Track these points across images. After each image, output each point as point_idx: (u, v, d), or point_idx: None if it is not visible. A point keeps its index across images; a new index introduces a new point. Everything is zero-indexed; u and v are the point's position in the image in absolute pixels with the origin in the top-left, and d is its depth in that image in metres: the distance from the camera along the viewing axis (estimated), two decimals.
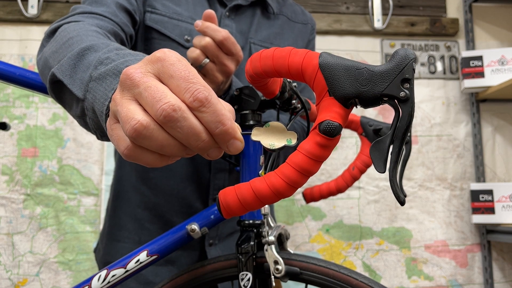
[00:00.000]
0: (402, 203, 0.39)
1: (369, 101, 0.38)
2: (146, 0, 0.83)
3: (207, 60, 0.69)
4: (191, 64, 0.65)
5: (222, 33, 0.66)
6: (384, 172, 0.38)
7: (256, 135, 0.41)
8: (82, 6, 0.74)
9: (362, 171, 0.90)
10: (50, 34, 0.67)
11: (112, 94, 0.42)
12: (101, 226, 1.46)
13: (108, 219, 0.91)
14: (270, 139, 0.41)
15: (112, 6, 0.75)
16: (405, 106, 0.37)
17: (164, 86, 0.35)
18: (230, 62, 0.69)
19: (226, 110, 0.36)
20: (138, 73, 0.35)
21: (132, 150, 0.36)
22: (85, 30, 0.61)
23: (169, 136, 0.35)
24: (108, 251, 0.88)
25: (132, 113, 0.34)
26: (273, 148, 0.40)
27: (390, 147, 0.38)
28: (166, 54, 0.36)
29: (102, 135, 0.49)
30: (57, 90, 0.55)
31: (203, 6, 0.88)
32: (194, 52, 0.68)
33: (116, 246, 0.87)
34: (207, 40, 0.67)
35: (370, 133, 0.89)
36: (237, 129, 0.37)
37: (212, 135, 0.36)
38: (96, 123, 0.47)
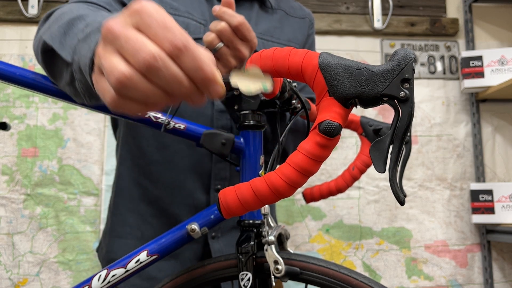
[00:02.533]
0: (402, 203, 0.39)
1: (369, 101, 0.38)
2: None
3: (221, 44, 0.68)
4: (206, 47, 0.66)
5: (238, 18, 0.67)
6: (384, 172, 0.38)
7: (234, 78, 0.43)
8: None
9: (362, 171, 0.90)
10: (45, 19, 0.69)
11: (95, 46, 0.43)
12: (101, 226, 1.46)
13: (110, 216, 0.92)
14: (247, 82, 0.43)
15: None
16: (405, 106, 0.37)
17: (144, 37, 0.36)
18: (244, 48, 0.69)
19: (205, 56, 0.37)
20: (118, 26, 0.36)
21: (118, 100, 0.37)
22: (78, 6, 0.63)
23: (152, 85, 0.36)
24: (111, 249, 0.88)
25: (115, 65, 0.35)
26: (250, 92, 0.42)
27: (390, 147, 0.39)
28: (143, 5, 0.37)
29: (91, 97, 0.51)
30: (49, 62, 0.57)
31: (200, 1, 0.88)
32: (209, 36, 0.69)
33: (118, 242, 0.87)
34: (222, 24, 0.67)
35: (370, 133, 0.89)
36: (217, 74, 0.38)
37: (193, 81, 0.37)
38: (84, 84, 0.49)
